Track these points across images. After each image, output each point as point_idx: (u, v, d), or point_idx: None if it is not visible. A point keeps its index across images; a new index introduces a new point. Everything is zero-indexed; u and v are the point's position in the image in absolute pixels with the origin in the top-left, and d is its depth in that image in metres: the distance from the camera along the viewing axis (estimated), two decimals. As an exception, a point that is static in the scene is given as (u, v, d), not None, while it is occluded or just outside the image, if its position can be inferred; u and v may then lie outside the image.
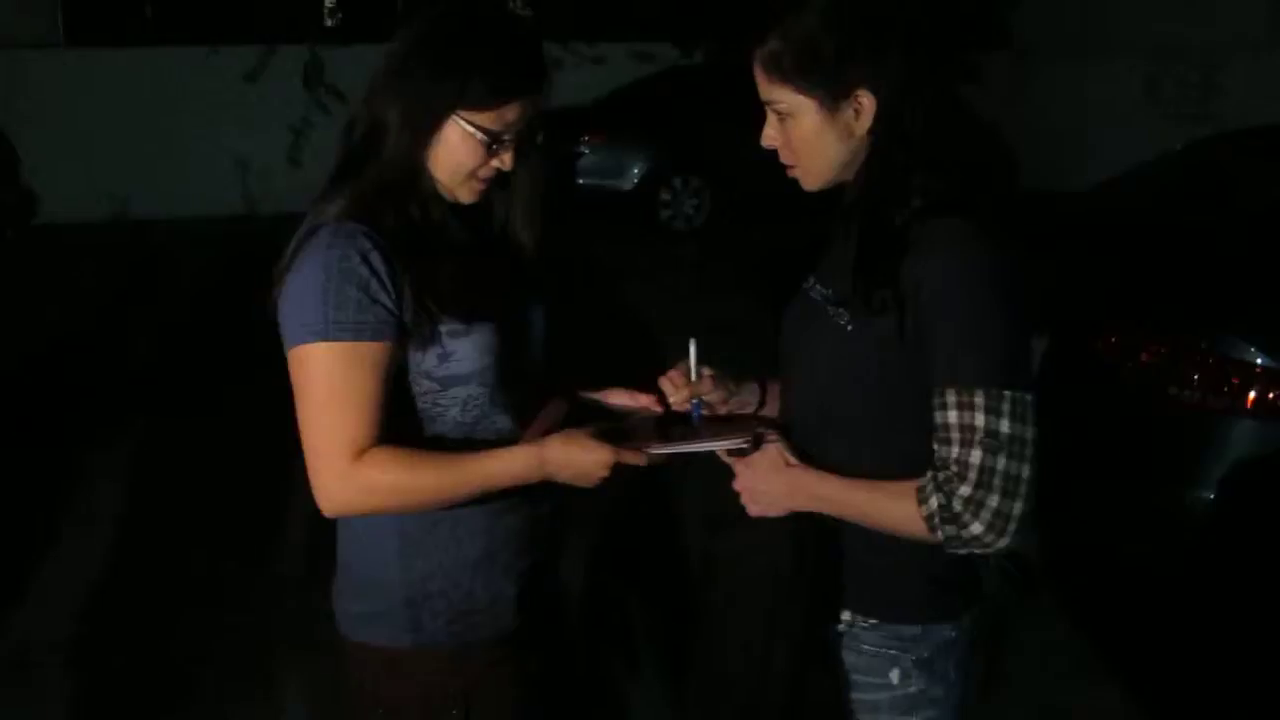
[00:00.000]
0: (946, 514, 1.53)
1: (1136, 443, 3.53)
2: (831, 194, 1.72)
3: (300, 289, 1.60)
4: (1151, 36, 11.28)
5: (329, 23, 12.87)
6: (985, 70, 10.71)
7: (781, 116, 1.64)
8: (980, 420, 1.50)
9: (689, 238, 10.45)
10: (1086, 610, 3.83)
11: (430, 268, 1.63)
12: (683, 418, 1.83)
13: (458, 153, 1.65)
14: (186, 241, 9.99)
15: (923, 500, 1.55)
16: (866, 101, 1.58)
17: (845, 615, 1.72)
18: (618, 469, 1.64)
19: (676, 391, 1.82)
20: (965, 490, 1.51)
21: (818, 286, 1.76)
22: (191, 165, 11.02)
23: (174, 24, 11.57)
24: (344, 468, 1.59)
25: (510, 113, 1.65)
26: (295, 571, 4.05)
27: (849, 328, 1.61)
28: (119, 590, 4.03)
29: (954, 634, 1.73)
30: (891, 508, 1.59)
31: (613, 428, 1.74)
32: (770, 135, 1.67)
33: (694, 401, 1.82)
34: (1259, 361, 3.29)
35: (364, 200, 1.63)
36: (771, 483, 1.66)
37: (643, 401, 1.88)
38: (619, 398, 1.90)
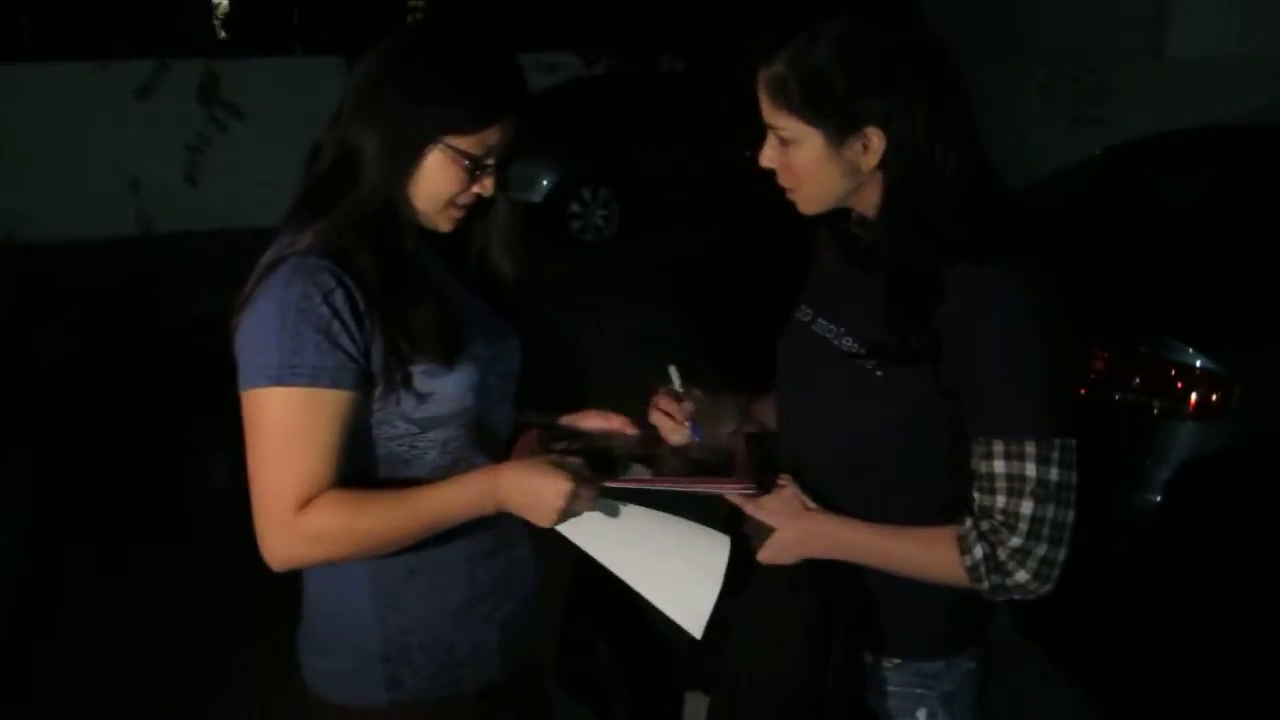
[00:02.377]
0: (991, 563, 1.47)
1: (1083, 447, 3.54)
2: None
3: (256, 328, 1.47)
4: (1044, 41, 11.54)
5: (222, 34, 12.53)
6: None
7: (783, 141, 1.54)
8: (1031, 470, 1.45)
9: (599, 249, 10.38)
10: (1042, 613, 3.83)
11: (407, 306, 1.51)
12: (670, 445, 1.72)
13: (437, 180, 1.54)
14: (79, 264, 9.59)
15: (965, 550, 1.49)
16: (876, 140, 1.47)
17: (867, 658, 1.65)
18: (577, 503, 1.50)
19: (669, 420, 1.72)
20: (1015, 541, 1.46)
21: (821, 321, 1.67)
22: (83, 186, 10.57)
23: (59, 40, 11.13)
24: (286, 517, 1.45)
25: (492, 136, 1.55)
26: (249, 618, 3.57)
27: (878, 374, 1.52)
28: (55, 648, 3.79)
29: (973, 664, 1.69)
30: (927, 556, 1.53)
31: (591, 454, 1.61)
32: (769, 157, 1.57)
33: (690, 421, 1.73)
34: (1198, 364, 3.32)
35: (336, 234, 1.49)
36: (787, 527, 1.57)
37: (615, 424, 1.77)
38: (592, 421, 1.79)
